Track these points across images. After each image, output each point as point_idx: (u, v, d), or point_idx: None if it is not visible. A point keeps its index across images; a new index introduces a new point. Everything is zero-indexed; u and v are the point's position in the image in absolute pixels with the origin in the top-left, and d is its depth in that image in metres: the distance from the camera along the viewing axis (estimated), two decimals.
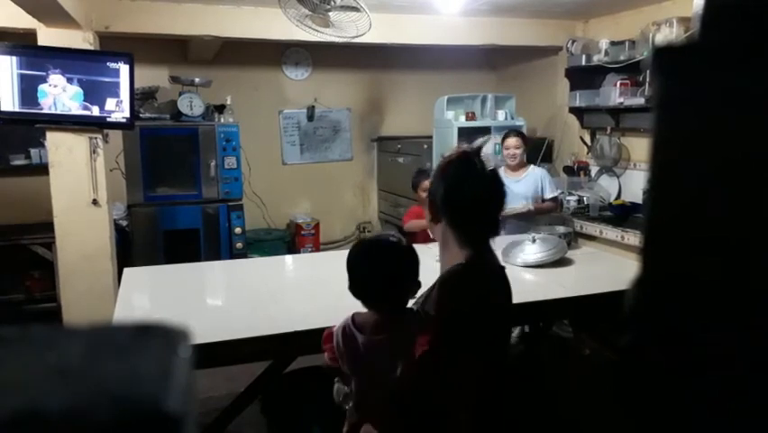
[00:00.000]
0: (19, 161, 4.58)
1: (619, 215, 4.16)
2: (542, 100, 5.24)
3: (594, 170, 4.73)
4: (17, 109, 3.43)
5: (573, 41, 4.62)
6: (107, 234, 3.87)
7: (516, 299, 1.62)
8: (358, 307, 1.51)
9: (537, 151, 4.77)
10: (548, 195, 3.84)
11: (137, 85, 3.94)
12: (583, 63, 4.49)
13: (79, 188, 3.76)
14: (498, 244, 3.07)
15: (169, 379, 0.27)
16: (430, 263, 1.68)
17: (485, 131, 4.44)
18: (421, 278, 1.52)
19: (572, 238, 3.60)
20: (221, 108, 4.60)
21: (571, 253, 3.09)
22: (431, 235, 1.67)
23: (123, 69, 3.64)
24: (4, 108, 3.39)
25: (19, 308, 4.52)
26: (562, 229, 3.48)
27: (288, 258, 3.98)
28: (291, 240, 5.39)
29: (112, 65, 3.62)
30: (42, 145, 4.22)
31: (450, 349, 1.43)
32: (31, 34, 3.61)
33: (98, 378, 0.27)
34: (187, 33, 4.16)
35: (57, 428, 0.24)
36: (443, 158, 1.59)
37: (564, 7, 4.34)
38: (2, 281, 4.52)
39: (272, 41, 4.70)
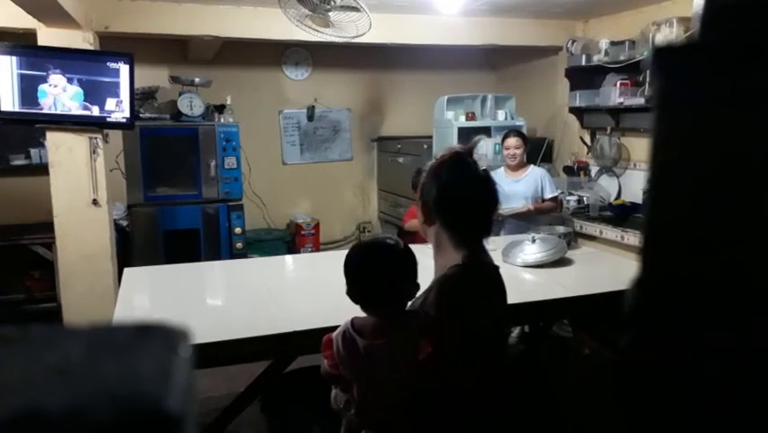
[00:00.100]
0: (19, 161, 4.58)
1: (619, 215, 4.16)
2: (542, 100, 5.24)
3: (594, 170, 4.73)
4: (17, 109, 3.43)
5: (573, 41, 4.62)
6: (107, 234, 3.87)
7: (516, 299, 1.62)
8: (358, 307, 1.51)
9: (537, 151, 4.77)
10: (548, 195, 3.84)
11: (137, 85, 3.94)
12: (583, 63, 4.49)
13: (79, 188, 3.76)
14: (499, 244, 3.10)
15: (169, 379, 0.27)
16: (429, 264, 1.67)
17: (485, 131, 4.44)
18: (420, 278, 1.50)
19: (572, 238, 3.60)
20: (221, 108, 4.60)
21: (570, 253, 3.09)
22: (424, 238, 1.65)
23: (123, 69, 3.64)
24: (4, 108, 3.39)
25: (19, 308, 4.52)
26: (561, 229, 3.48)
27: (288, 258, 3.97)
28: (291, 240, 5.39)
29: (112, 65, 3.63)
30: (42, 145, 4.22)
31: (451, 351, 1.43)
32: (31, 34, 3.61)
33: (98, 378, 0.27)
34: (187, 33, 4.16)
35: (57, 428, 0.24)
36: (436, 159, 1.58)
37: (564, 7, 4.34)
38: (2, 281, 4.52)
39: (272, 41, 4.70)
